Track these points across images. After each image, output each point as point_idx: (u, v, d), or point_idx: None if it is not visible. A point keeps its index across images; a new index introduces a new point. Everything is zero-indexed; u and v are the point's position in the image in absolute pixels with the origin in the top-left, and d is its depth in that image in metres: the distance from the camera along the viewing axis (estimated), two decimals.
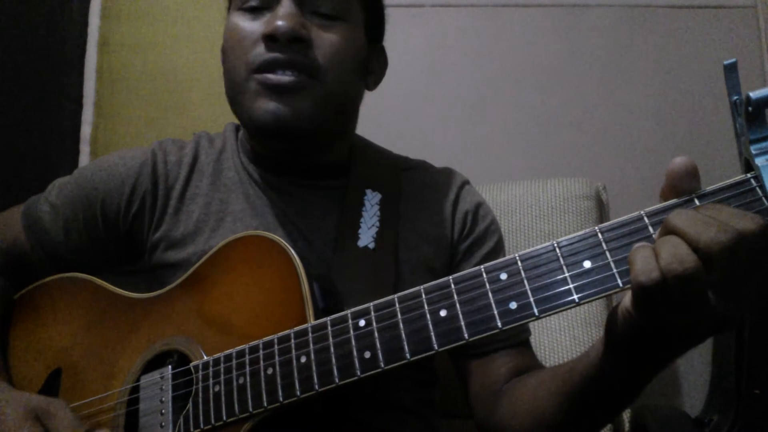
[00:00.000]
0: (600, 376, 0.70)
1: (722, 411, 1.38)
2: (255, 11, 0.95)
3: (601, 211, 1.40)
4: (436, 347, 0.67)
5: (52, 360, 0.97)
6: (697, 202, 0.60)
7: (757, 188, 0.58)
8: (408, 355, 0.68)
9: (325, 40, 0.94)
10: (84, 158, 1.66)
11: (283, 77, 0.91)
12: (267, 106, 0.91)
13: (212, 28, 1.72)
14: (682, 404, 1.60)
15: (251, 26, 0.94)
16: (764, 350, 1.34)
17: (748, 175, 0.59)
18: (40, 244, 1.04)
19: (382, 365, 0.69)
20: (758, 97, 0.57)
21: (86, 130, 1.68)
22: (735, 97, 0.60)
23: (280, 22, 0.90)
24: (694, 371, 1.61)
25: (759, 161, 0.58)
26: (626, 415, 1.30)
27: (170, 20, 1.73)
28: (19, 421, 0.80)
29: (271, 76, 0.91)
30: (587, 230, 0.63)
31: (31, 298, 1.04)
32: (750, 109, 0.58)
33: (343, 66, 0.95)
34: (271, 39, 0.91)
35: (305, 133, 0.94)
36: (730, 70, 0.60)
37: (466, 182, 1.11)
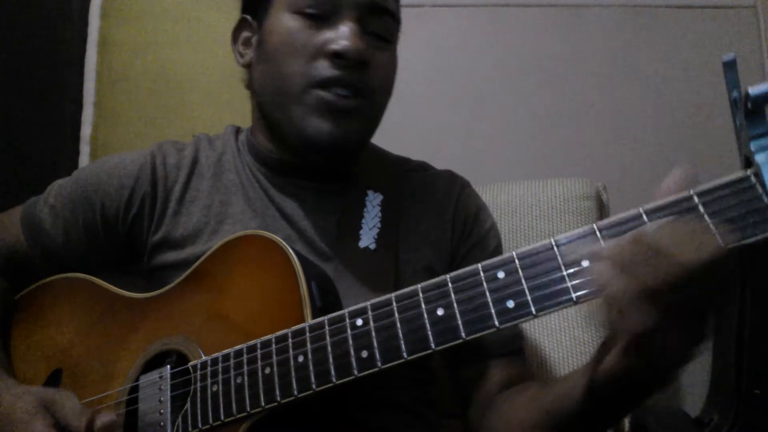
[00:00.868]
0: (582, 409, 0.71)
1: (722, 411, 1.38)
2: (314, 19, 0.93)
3: (602, 212, 1.40)
4: (433, 346, 0.66)
5: (52, 360, 0.97)
6: (696, 199, 0.59)
7: (757, 185, 0.57)
8: (405, 354, 0.67)
9: (380, 63, 0.96)
10: (84, 158, 1.66)
11: (344, 101, 0.91)
12: (322, 125, 0.91)
13: (212, 28, 1.72)
14: (682, 404, 1.60)
15: (312, 36, 0.93)
16: (764, 350, 1.34)
17: (748, 172, 0.58)
18: (39, 245, 1.05)
19: (380, 364, 0.68)
20: (757, 93, 0.56)
21: (86, 130, 1.67)
22: (734, 94, 0.59)
23: (349, 43, 0.90)
24: (694, 371, 1.61)
25: (759, 157, 0.57)
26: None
27: (170, 20, 1.72)
28: (30, 413, 0.80)
29: (331, 97, 0.91)
30: (585, 228, 0.63)
31: (32, 298, 1.04)
32: (749, 105, 0.57)
33: (389, 89, 1.00)
34: (338, 57, 0.91)
35: (349, 152, 0.97)
36: (729, 66, 0.60)
37: (466, 185, 1.12)
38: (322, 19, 0.93)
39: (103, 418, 0.78)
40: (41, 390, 0.85)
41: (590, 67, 1.76)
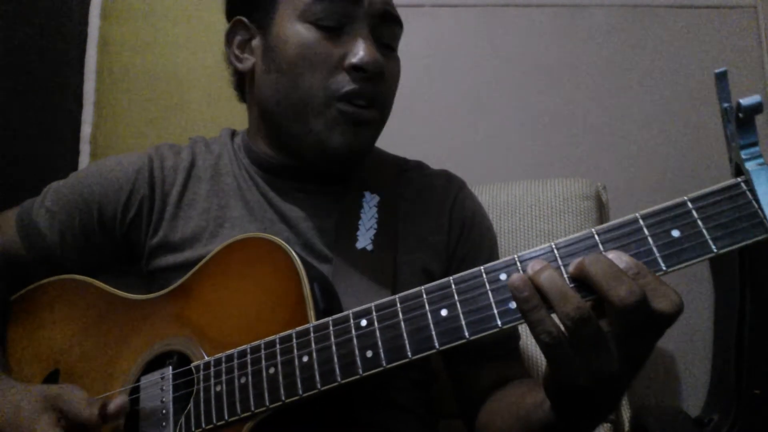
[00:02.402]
0: (548, 422, 0.73)
1: (722, 411, 1.39)
2: (328, 30, 0.94)
3: (601, 212, 1.40)
4: (437, 346, 0.67)
5: (49, 361, 0.96)
6: (689, 205, 0.61)
7: (747, 191, 0.60)
8: (410, 354, 0.68)
9: (390, 72, 0.98)
10: (84, 158, 1.65)
11: (364, 112, 0.94)
12: (344, 137, 0.94)
13: (212, 28, 1.72)
14: (682, 404, 1.61)
15: (330, 49, 0.93)
16: (764, 350, 1.35)
17: (739, 179, 0.61)
18: (35, 248, 1.04)
19: (384, 364, 0.69)
20: (748, 104, 0.59)
21: (86, 130, 1.67)
22: (725, 105, 0.62)
23: (368, 57, 0.92)
24: (694, 371, 1.62)
25: (749, 165, 0.60)
26: (626, 415, 1.30)
27: (170, 20, 1.72)
28: (37, 412, 0.80)
29: (353, 109, 0.93)
30: (584, 232, 0.65)
31: (28, 300, 1.03)
32: (741, 115, 0.60)
33: (394, 95, 1.02)
34: (357, 70, 0.92)
35: (361, 160, 1.01)
36: (721, 79, 0.62)
37: (463, 186, 1.12)
38: (336, 30, 0.94)
39: (116, 401, 0.78)
40: (44, 387, 0.85)
41: (590, 67, 1.76)
